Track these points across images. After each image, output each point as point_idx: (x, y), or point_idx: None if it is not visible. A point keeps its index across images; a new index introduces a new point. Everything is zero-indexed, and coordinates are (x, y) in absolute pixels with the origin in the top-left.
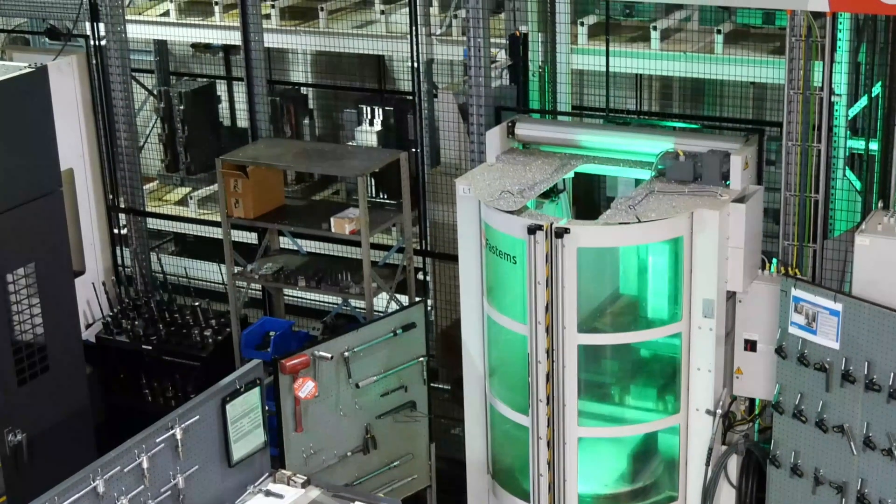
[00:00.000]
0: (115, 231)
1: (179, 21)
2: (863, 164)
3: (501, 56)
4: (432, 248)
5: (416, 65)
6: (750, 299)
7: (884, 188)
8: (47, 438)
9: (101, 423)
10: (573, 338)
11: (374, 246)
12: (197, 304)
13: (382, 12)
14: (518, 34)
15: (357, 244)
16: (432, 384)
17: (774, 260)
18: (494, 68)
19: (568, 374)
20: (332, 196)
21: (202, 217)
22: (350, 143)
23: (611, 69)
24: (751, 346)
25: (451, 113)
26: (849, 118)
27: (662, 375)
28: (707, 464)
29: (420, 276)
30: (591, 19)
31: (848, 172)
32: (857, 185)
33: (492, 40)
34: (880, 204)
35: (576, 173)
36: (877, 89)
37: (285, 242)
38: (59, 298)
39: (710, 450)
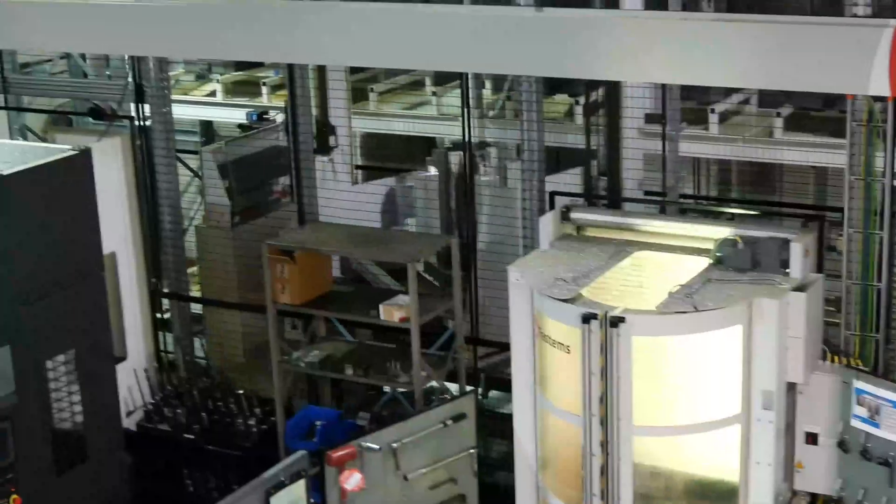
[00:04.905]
0: (158, 316)
1: (226, 101)
2: None
3: None
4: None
5: (467, 147)
6: (811, 391)
7: None
8: None
9: None
10: (629, 430)
11: (425, 333)
12: (241, 391)
13: (434, 93)
14: None
15: (406, 332)
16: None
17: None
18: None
19: (623, 467)
20: None
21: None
22: (400, 228)
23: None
24: (812, 438)
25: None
26: None
27: (721, 469)
28: None
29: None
30: (648, 102)
31: None
32: None
33: None
34: None
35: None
36: None
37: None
38: (99, 385)
39: None
